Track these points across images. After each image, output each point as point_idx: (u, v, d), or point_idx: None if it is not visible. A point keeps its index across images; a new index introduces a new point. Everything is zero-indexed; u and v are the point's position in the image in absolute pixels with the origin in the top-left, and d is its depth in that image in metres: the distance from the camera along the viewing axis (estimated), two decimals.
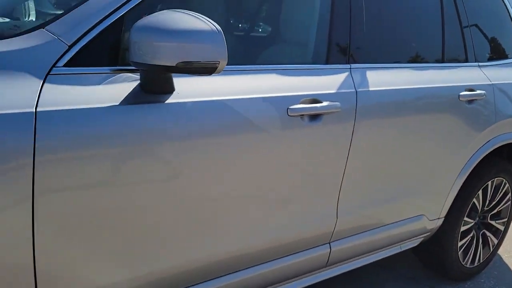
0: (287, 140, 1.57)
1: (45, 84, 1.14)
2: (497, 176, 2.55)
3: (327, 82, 1.70)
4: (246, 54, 1.65)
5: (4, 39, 1.18)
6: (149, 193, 1.30)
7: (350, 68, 1.80)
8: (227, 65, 1.33)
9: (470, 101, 2.24)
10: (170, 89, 1.31)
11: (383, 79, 1.89)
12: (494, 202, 2.65)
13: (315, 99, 1.63)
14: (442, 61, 2.24)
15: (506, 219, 2.74)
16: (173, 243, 1.41)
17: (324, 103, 1.64)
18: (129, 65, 1.29)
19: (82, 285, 1.27)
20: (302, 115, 1.59)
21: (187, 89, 1.36)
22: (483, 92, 2.29)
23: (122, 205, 1.26)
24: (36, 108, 1.10)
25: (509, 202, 2.72)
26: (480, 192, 2.53)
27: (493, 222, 2.69)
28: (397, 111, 1.91)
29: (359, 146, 1.79)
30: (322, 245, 1.86)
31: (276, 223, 1.65)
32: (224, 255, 1.54)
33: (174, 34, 1.15)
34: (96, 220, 1.23)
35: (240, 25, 1.70)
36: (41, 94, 1.12)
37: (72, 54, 1.21)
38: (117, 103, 1.22)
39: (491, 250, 2.73)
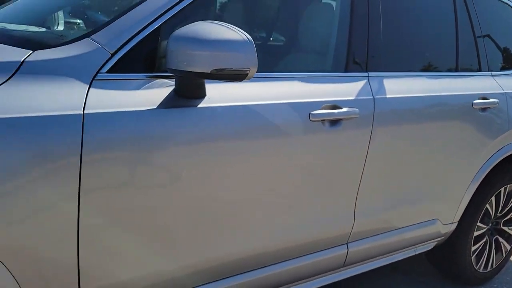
0: (309, 144, 1.66)
1: (91, 89, 1.25)
2: (510, 182, 2.61)
3: (346, 89, 1.79)
4: (270, 62, 1.74)
5: (53, 47, 1.28)
6: (183, 192, 1.39)
7: (368, 76, 1.89)
8: None
9: (483, 109, 2.31)
10: (202, 94, 1.41)
11: (400, 86, 1.97)
12: (507, 209, 2.70)
13: (335, 105, 1.72)
14: (456, 70, 2.32)
15: None
16: (204, 239, 1.49)
17: (344, 109, 1.73)
18: (165, 71, 1.39)
19: (117, 278, 1.36)
20: (323, 120, 1.67)
21: (217, 94, 1.45)
22: (496, 100, 2.36)
23: (158, 202, 1.36)
24: (83, 110, 1.20)
25: None
26: (493, 198, 2.58)
27: (506, 228, 2.74)
28: (413, 117, 1.99)
29: (376, 150, 1.87)
30: (340, 245, 1.93)
31: (298, 223, 1.73)
32: (252, 251, 1.63)
33: (209, 43, 1.25)
34: (134, 216, 1.33)
35: (265, 36, 1.80)
36: (87, 97, 1.23)
37: (114, 62, 1.31)
38: (155, 107, 1.32)
39: (504, 255, 2.78)
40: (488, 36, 2.55)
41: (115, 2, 2.36)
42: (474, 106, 2.26)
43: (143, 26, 1.37)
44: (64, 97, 1.19)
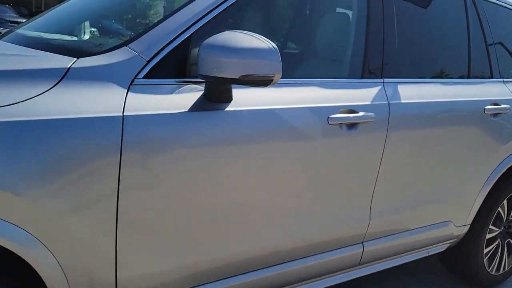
0: (327, 146, 1.75)
1: (129, 93, 1.36)
2: None
3: (362, 95, 1.88)
4: (291, 69, 1.84)
5: (94, 55, 1.40)
6: (213, 190, 1.49)
7: (383, 82, 1.98)
8: None
9: (495, 115, 2.39)
10: (229, 99, 1.51)
11: (413, 92, 2.06)
12: None
13: (352, 110, 1.81)
14: (468, 77, 2.40)
15: None
16: (231, 236, 1.59)
17: (360, 113, 1.82)
18: (195, 77, 1.50)
19: (149, 269, 1.46)
20: (341, 123, 1.77)
21: (242, 99, 1.56)
22: (507, 106, 2.44)
23: (189, 199, 1.46)
24: (123, 113, 1.31)
25: None
26: (505, 202, 2.64)
27: None
28: (426, 122, 2.07)
29: (391, 153, 1.96)
30: (355, 244, 2.02)
31: (317, 221, 1.82)
32: (274, 247, 1.72)
33: (237, 51, 1.36)
34: (166, 212, 1.43)
35: (287, 44, 1.90)
36: (126, 101, 1.34)
37: (149, 68, 1.42)
38: (186, 110, 1.43)
39: None
40: (500, 43, 2.62)
41: (136, 13, 2.52)
42: (486, 112, 2.33)
43: (175, 36, 1.48)
44: (106, 101, 1.31)
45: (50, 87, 1.26)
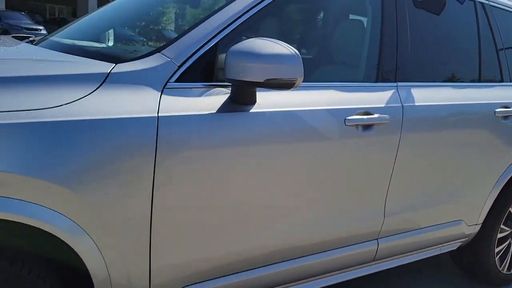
0: (344, 146, 1.85)
1: (163, 96, 1.47)
2: None
3: (377, 98, 1.98)
4: (310, 73, 1.95)
5: (130, 61, 1.52)
6: (237, 187, 1.60)
7: (396, 86, 2.08)
8: None
9: (505, 117, 2.47)
10: (253, 101, 1.62)
11: (426, 95, 2.15)
12: None
13: (367, 112, 1.91)
14: (479, 81, 2.49)
15: None
16: (252, 230, 1.70)
17: (375, 115, 1.92)
18: (221, 81, 1.62)
19: (180, 259, 1.57)
20: (357, 125, 1.87)
21: (265, 101, 1.67)
22: None
23: (217, 194, 1.57)
24: (158, 113, 1.43)
25: None
26: None
27: None
28: (438, 124, 2.16)
29: (405, 153, 2.05)
30: (371, 240, 2.11)
31: (336, 217, 1.91)
32: (294, 242, 1.82)
33: (262, 57, 1.47)
34: (198, 209, 1.54)
35: (306, 50, 2.01)
36: (160, 103, 1.45)
37: (180, 73, 1.54)
38: (214, 111, 1.54)
39: None
40: (510, 48, 2.71)
41: (154, 21, 2.66)
42: (496, 114, 2.42)
43: (203, 43, 1.60)
44: (142, 103, 1.42)
45: (93, 90, 1.38)
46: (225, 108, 1.57)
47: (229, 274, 1.71)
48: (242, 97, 1.60)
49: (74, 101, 1.32)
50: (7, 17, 20.21)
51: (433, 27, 2.32)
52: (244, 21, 1.69)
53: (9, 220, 1.23)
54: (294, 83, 1.50)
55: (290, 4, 1.95)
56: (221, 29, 1.64)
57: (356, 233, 2.03)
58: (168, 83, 1.51)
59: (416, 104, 2.09)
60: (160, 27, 2.88)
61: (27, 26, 19.63)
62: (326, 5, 2.16)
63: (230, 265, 1.70)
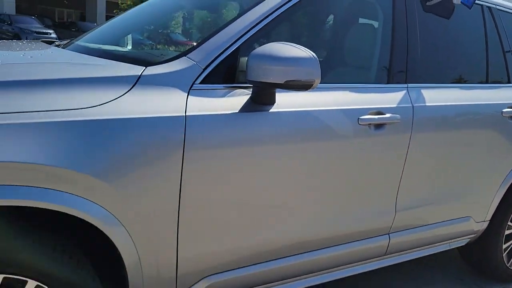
0: (358, 145, 1.94)
1: (189, 96, 1.58)
2: None
3: (389, 98, 2.07)
4: (325, 75, 2.04)
5: (158, 64, 1.63)
6: (257, 182, 1.70)
7: (407, 87, 2.17)
8: None
9: None
10: (272, 101, 1.72)
11: (435, 96, 2.25)
12: None
13: (379, 112, 2.00)
14: (486, 82, 2.58)
15: None
16: (271, 223, 1.80)
17: (387, 115, 2.01)
18: (242, 82, 1.72)
19: (206, 249, 1.67)
20: (370, 124, 1.96)
21: (283, 101, 1.77)
22: None
23: (239, 190, 1.67)
24: (185, 113, 1.53)
25: None
26: None
27: None
28: (447, 123, 2.25)
29: (415, 152, 2.14)
30: (382, 235, 2.20)
31: (350, 213, 2.01)
32: (309, 236, 1.92)
33: (282, 60, 1.57)
34: (221, 203, 1.64)
35: (321, 53, 2.11)
36: (187, 103, 1.56)
37: (205, 75, 1.64)
38: (236, 111, 1.64)
39: None
40: None
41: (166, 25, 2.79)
42: (503, 114, 2.50)
43: (225, 47, 1.70)
44: (171, 102, 1.53)
45: (127, 90, 1.48)
46: (246, 108, 1.67)
47: (249, 265, 1.81)
48: (262, 98, 1.70)
49: (110, 101, 1.43)
50: (17, 21, 20.52)
51: (442, 30, 2.41)
52: (263, 27, 1.79)
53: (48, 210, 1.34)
54: (312, 84, 1.60)
55: (306, 10, 2.05)
56: (241, 34, 1.74)
57: (369, 228, 2.12)
58: (193, 85, 1.61)
59: (425, 104, 2.18)
60: (176, 32, 3.01)
61: (37, 30, 19.91)
62: (341, 10, 2.26)
63: (249, 256, 1.80)
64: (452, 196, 2.42)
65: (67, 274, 1.36)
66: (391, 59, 2.14)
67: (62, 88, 1.40)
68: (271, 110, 1.72)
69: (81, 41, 2.32)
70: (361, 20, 2.30)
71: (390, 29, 2.17)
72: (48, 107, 1.34)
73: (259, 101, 1.70)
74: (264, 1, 1.84)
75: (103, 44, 2.22)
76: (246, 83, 1.70)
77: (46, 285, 1.35)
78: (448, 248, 2.59)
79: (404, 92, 2.15)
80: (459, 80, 2.48)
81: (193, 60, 1.65)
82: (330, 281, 2.11)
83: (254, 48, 1.67)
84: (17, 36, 19.35)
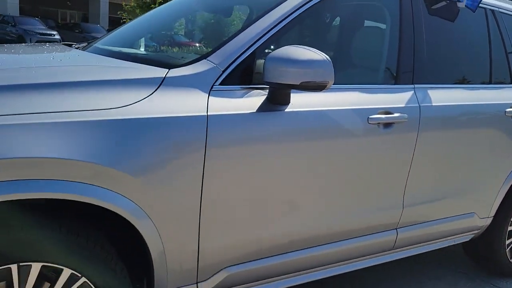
0: (367, 143, 2.04)
1: (210, 97, 1.67)
2: None
3: (396, 98, 2.17)
4: (336, 76, 2.14)
5: (180, 66, 1.72)
6: (273, 178, 1.79)
7: (414, 87, 2.26)
8: None
9: None
10: (287, 102, 1.81)
11: (441, 96, 2.34)
12: None
13: (388, 111, 2.10)
14: (490, 82, 2.67)
15: None
16: (288, 218, 1.89)
17: (395, 114, 2.11)
18: (259, 84, 1.81)
19: (224, 241, 1.76)
20: (379, 123, 2.06)
21: (297, 101, 1.86)
22: None
23: (257, 185, 1.76)
24: (207, 112, 1.63)
25: None
26: None
27: None
28: (452, 122, 2.35)
29: (422, 150, 2.24)
30: (390, 230, 2.29)
31: (360, 208, 2.10)
32: (320, 230, 2.01)
33: (298, 62, 1.66)
34: (241, 198, 1.73)
35: (332, 55, 2.20)
36: (208, 103, 1.65)
37: (224, 77, 1.74)
38: (254, 111, 1.73)
39: None
40: None
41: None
42: (506, 114, 2.59)
43: (243, 50, 1.79)
44: (194, 103, 1.63)
45: (152, 92, 1.58)
46: (263, 108, 1.76)
47: (266, 257, 1.90)
48: (278, 98, 1.79)
49: (137, 101, 1.53)
50: (21, 22, 20.66)
51: (447, 33, 2.50)
52: (277, 31, 1.88)
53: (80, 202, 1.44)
54: (326, 85, 1.69)
55: (318, 15, 2.15)
56: (257, 38, 1.83)
57: (378, 223, 2.22)
58: (214, 86, 1.71)
59: (432, 104, 2.27)
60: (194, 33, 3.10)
61: (41, 31, 20.04)
62: (350, 15, 2.36)
63: (267, 249, 1.89)
64: (457, 192, 2.51)
65: (99, 264, 1.46)
66: (398, 61, 2.24)
67: (94, 89, 1.49)
68: (286, 110, 1.81)
69: (101, 44, 2.42)
70: (370, 24, 2.40)
71: (398, 32, 2.26)
72: (85, 107, 1.43)
73: (275, 101, 1.79)
74: (277, 8, 1.94)
75: (121, 47, 2.32)
76: (262, 84, 1.80)
77: (79, 273, 1.45)
78: (453, 244, 2.68)
79: (411, 92, 2.24)
80: (464, 80, 2.57)
81: (213, 63, 1.74)
82: (339, 274, 2.20)
83: (270, 51, 1.76)
84: (21, 38, 19.49)
